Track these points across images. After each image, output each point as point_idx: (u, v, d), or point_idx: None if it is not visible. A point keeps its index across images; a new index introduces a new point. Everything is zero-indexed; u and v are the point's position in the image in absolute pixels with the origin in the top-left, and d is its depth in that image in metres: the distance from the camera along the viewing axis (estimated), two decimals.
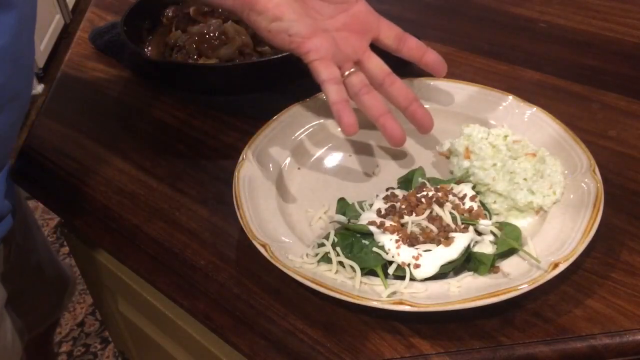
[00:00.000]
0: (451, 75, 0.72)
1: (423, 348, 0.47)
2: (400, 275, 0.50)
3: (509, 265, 0.50)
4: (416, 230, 0.52)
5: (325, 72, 0.57)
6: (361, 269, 0.50)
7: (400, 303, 0.47)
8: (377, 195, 0.57)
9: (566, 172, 0.58)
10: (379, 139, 0.68)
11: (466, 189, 0.56)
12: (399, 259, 0.50)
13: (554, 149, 0.60)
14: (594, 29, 0.85)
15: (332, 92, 0.57)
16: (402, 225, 0.53)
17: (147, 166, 0.67)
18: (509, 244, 0.51)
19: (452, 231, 0.51)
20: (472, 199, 0.55)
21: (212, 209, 0.61)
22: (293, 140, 0.66)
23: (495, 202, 0.57)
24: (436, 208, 0.53)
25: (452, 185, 0.57)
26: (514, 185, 0.56)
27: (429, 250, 0.50)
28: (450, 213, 0.53)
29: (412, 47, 0.64)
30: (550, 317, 0.48)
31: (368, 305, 0.47)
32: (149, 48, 0.83)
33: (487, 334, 0.47)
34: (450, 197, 0.55)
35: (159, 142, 0.72)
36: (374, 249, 0.51)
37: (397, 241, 0.51)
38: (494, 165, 0.58)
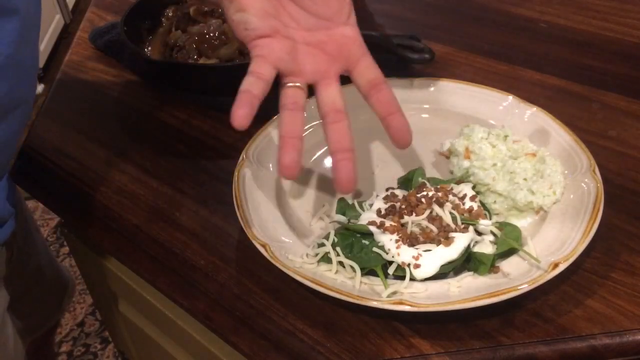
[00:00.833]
0: (451, 75, 0.72)
1: (423, 348, 0.47)
2: (400, 275, 0.50)
3: (509, 265, 0.50)
4: (416, 230, 0.52)
5: (254, 65, 0.52)
6: (361, 269, 0.50)
7: (400, 303, 0.47)
8: (377, 195, 0.57)
9: (566, 172, 0.58)
10: (379, 139, 0.68)
11: (466, 189, 0.56)
12: (399, 259, 0.50)
13: (554, 149, 0.60)
14: (594, 29, 0.85)
15: (245, 81, 0.51)
16: (402, 225, 0.53)
17: (147, 166, 0.67)
18: (509, 244, 0.51)
19: (452, 231, 0.51)
20: (472, 199, 0.55)
21: (212, 209, 0.61)
22: None
23: (495, 202, 0.57)
24: (436, 208, 0.53)
25: (452, 185, 0.57)
26: (514, 185, 0.56)
27: (429, 250, 0.50)
28: (450, 213, 0.53)
29: (382, 101, 0.55)
30: (550, 317, 0.48)
31: (368, 305, 0.47)
32: (149, 48, 0.83)
33: (487, 334, 0.47)
34: (450, 197, 0.55)
35: (159, 142, 0.72)
36: (374, 249, 0.51)
37: (397, 241, 0.51)
38: (494, 165, 0.58)
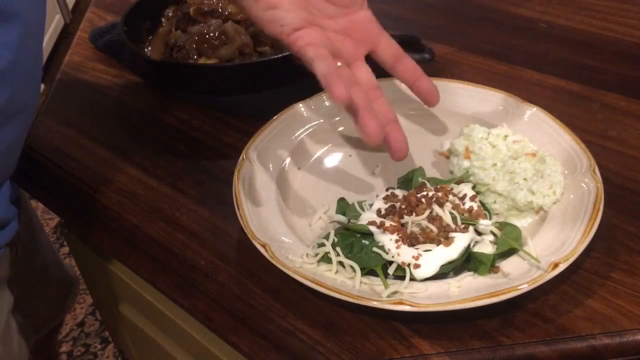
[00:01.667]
0: (451, 75, 0.72)
1: (423, 348, 0.47)
2: (400, 275, 0.50)
3: (509, 265, 0.50)
4: (416, 230, 0.52)
5: (312, 51, 0.53)
6: (361, 269, 0.50)
7: (400, 303, 0.47)
8: (377, 195, 0.57)
9: (566, 172, 0.58)
10: None
11: (466, 189, 0.56)
12: (399, 259, 0.50)
13: (554, 149, 0.60)
14: (594, 29, 0.85)
15: (321, 65, 0.51)
16: (402, 225, 0.53)
17: (147, 166, 0.67)
18: (509, 244, 0.51)
19: (452, 231, 0.51)
20: (472, 199, 0.55)
21: (212, 209, 0.61)
22: (293, 140, 0.66)
23: (495, 202, 0.57)
24: (436, 208, 0.53)
25: (452, 185, 0.57)
26: (514, 185, 0.56)
27: (429, 250, 0.50)
28: (450, 213, 0.53)
29: (408, 69, 0.62)
30: (550, 317, 0.48)
31: (368, 305, 0.47)
32: (149, 48, 0.83)
33: (487, 334, 0.47)
34: (450, 197, 0.55)
35: (159, 142, 0.72)
36: (374, 249, 0.51)
37: (397, 241, 0.51)
38: (494, 165, 0.58)
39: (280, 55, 0.72)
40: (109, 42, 0.89)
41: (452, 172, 0.62)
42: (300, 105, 0.69)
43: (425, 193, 0.55)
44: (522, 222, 0.56)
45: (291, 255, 0.52)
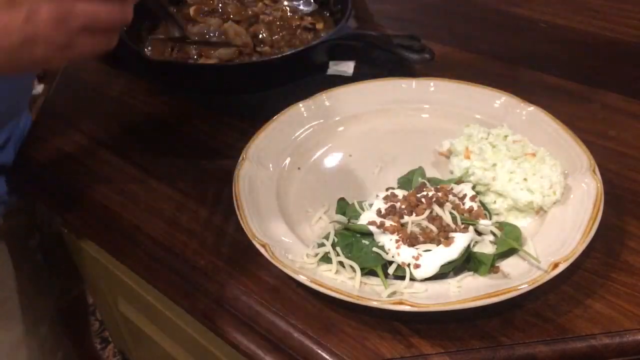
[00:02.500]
0: (451, 75, 0.72)
1: (423, 348, 0.47)
2: (400, 275, 0.50)
3: (509, 265, 0.50)
4: (416, 230, 0.52)
5: None
6: (361, 269, 0.50)
7: (400, 303, 0.47)
8: (377, 195, 0.57)
9: (566, 172, 0.58)
10: (379, 139, 0.68)
11: (466, 189, 0.56)
12: (399, 259, 0.50)
13: (554, 149, 0.60)
14: (594, 29, 0.85)
15: None
16: (402, 225, 0.53)
17: (147, 166, 0.67)
18: (509, 244, 0.51)
19: (452, 231, 0.51)
20: (472, 199, 0.55)
21: (212, 209, 0.61)
22: (293, 140, 0.66)
23: (495, 202, 0.57)
24: (436, 208, 0.53)
25: (452, 185, 0.57)
26: (514, 185, 0.56)
27: (429, 250, 0.50)
28: (450, 213, 0.53)
29: None
30: (550, 317, 0.48)
31: (368, 305, 0.47)
32: (149, 48, 0.83)
33: (487, 334, 0.47)
34: (450, 197, 0.55)
35: (159, 142, 0.72)
36: (374, 249, 0.51)
37: (397, 241, 0.51)
38: (494, 165, 0.58)
39: (280, 55, 0.72)
40: None
41: (452, 172, 0.62)
42: (300, 105, 0.69)
43: (425, 193, 0.55)
44: (522, 222, 0.56)
45: (291, 255, 0.52)
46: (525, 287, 0.46)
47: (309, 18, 0.81)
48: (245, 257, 0.55)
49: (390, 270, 0.50)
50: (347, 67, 0.79)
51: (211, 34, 0.78)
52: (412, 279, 0.50)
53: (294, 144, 0.66)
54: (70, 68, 0.87)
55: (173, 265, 0.57)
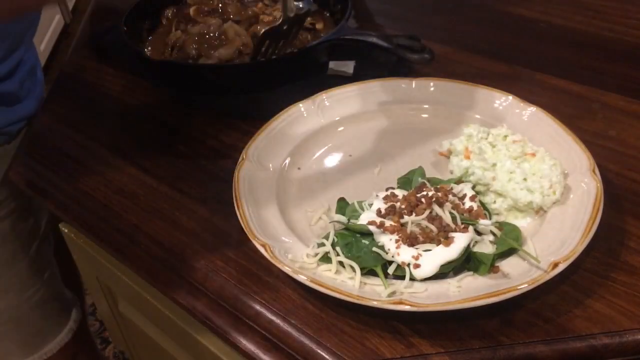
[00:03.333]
0: (451, 75, 0.72)
1: (423, 348, 0.47)
2: (400, 275, 0.50)
3: (509, 265, 0.50)
4: (416, 230, 0.52)
5: None
6: (361, 269, 0.50)
7: (400, 303, 0.47)
8: (377, 195, 0.57)
9: (566, 172, 0.58)
10: (379, 139, 0.68)
11: (466, 189, 0.56)
12: (398, 259, 0.50)
13: (554, 149, 0.60)
14: (594, 29, 0.85)
15: None
16: (402, 225, 0.53)
17: (147, 166, 0.67)
18: (509, 244, 0.51)
19: (452, 231, 0.51)
20: (472, 199, 0.55)
21: (212, 209, 0.61)
22: (293, 140, 0.66)
23: (495, 202, 0.57)
24: (436, 208, 0.53)
25: (452, 185, 0.57)
26: (514, 185, 0.56)
27: (429, 250, 0.50)
28: (450, 213, 0.53)
29: None
30: (550, 317, 0.48)
31: (368, 305, 0.47)
32: (149, 48, 0.83)
33: (487, 334, 0.47)
34: (450, 197, 0.55)
35: (159, 142, 0.72)
36: (374, 249, 0.51)
37: (397, 241, 0.51)
38: (494, 165, 0.58)
39: (280, 55, 0.72)
40: (109, 42, 0.89)
41: (452, 172, 0.62)
42: (300, 105, 0.69)
43: (425, 193, 0.55)
44: (522, 222, 0.56)
45: (291, 255, 0.52)
46: (525, 287, 0.46)
47: (309, 18, 0.81)
48: (245, 257, 0.55)
49: (390, 270, 0.50)
50: (347, 67, 0.79)
51: (211, 34, 0.78)
52: (412, 278, 0.50)
53: (294, 144, 0.66)
54: (70, 68, 0.87)
55: (173, 265, 0.57)
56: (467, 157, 0.60)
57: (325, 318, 0.50)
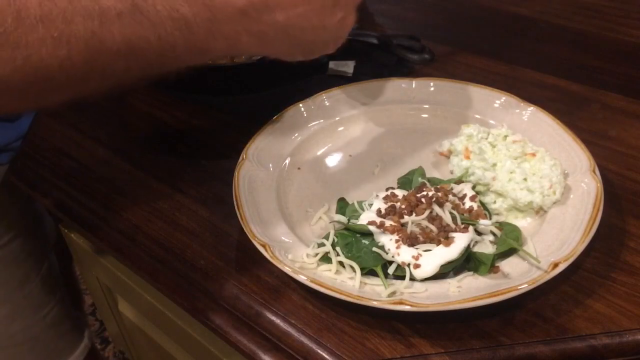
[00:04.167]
0: (451, 75, 0.72)
1: (423, 348, 0.47)
2: (400, 275, 0.50)
3: (509, 265, 0.50)
4: (416, 230, 0.52)
5: None
6: (361, 269, 0.50)
7: (400, 303, 0.47)
8: (377, 195, 0.57)
9: (566, 172, 0.58)
10: (379, 139, 0.68)
11: (466, 189, 0.56)
12: (399, 259, 0.50)
13: (554, 149, 0.60)
14: (594, 29, 0.85)
15: None
16: (402, 225, 0.53)
17: (147, 166, 0.67)
18: (509, 244, 0.51)
19: (452, 231, 0.51)
20: (472, 199, 0.55)
21: (212, 209, 0.61)
22: (293, 140, 0.66)
23: (495, 202, 0.57)
24: (436, 208, 0.53)
25: (452, 185, 0.57)
26: (514, 185, 0.56)
27: (429, 250, 0.50)
28: (450, 213, 0.53)
29: None
30: (550, 317, 0.48)
31: (368, 305, 0.47)
32: None
33: (487, 334, 0.47)
34: (450, 197, 0.55)
35: (159, 142, 0.72)
36: (374, 249, 0.51)
37: (397, 241, 0.51)
38: (494, 165, 0.58)
39: None
40: None
41: (452, 172, 0.62)
42: (300, 105, 0.69)
43: (425, 193, 0.55)
44: (522, 222, 0.56)
45: (291, 255, 0.52)
46: (525, 287, 0.46)
47: None
48: (245, 257, 0.55)
49: (390, 270, 0.50)
50: (347, 67, 0.79)
51: None
52: (412, 279, 0.50)
53: (294, 144, 0.66)
54: None
55: (173, 265, 0.57)
56: (467, 157, 0.60)
57: (325, 318, 0.50)
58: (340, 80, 0.74)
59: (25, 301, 0.83)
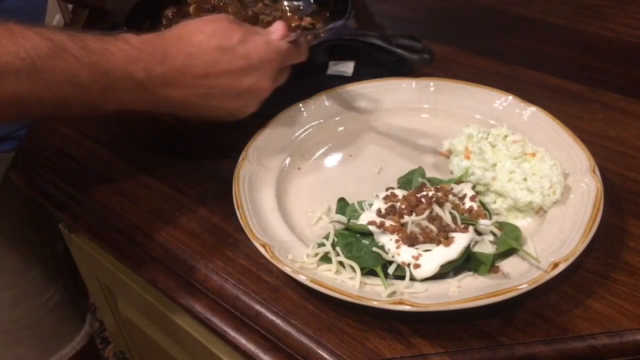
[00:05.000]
0: (451, 75, 0.72)
1: (423, 348, 0.47)
2: (400, 275, 0.50)
3: (509, 265, 0.50)
4: (416, 230, 0.52)
5: None
6: (361, 269, 0.50)
7: (400, 303, 0.47)
8: (377, 195, 0.57)
9: (566, 172, 0.58)
10: (379, 139, 0.68)
11: (466, 189, 0.56)
12: (399, 259, 0.50)
13: (554, 149, 0.60)
14: (594, 29, 0.85)
15: None
16: (402, 225, 0.53)
17: (147, 166, 0.67)
18: (509, 244, 0.51)
19: (452, 231, 0.51)
20: (472, 199, 0.55)
21: (212, 209, 0.61)
22: (293, 140, 0.66)
23: (495, 202, 0.57)
24: (436, 208, 0.53)
25: (452, 185, 0.57)
26: (514, 185, 0.56)
27: (429, 250, 0.50)
28: (450, 213, 0.53)
29: None
30: (550, 317, 0.48)
31: (368, 305, 0.47)
32: None
33: (487, 334, 0.47)
34: (450, 197, 0.55)
35: (159, 142, 0.72)
36: (374, 249, 0.51)
37: (397, 241, 0.51)
38: (494, 165, 0.58)
39: None
40: None
41: (452, 172, 0.62)
42: (300, 105, 0.69)
43: (425, 193, 0.55)
44: (522, 222, 0.56)
45: (291, 255, 0.52)
46: (525, 287, 0.46)
47: (309, 18, 0.81)
48: (245, 257, 0.55)
49: (390, 270, 0.50)
50: (347, 67, 0.79)
51: None
52: (412, 279, 0.50)
53: (294, 144, 0.66)
54: None
55: (173, 265, 0.57)
56: (467, 157, 0.60)
57: (325, 318, 0.50)
58: (340, 80, 0.74)
59: (28, 287, 0.84)
